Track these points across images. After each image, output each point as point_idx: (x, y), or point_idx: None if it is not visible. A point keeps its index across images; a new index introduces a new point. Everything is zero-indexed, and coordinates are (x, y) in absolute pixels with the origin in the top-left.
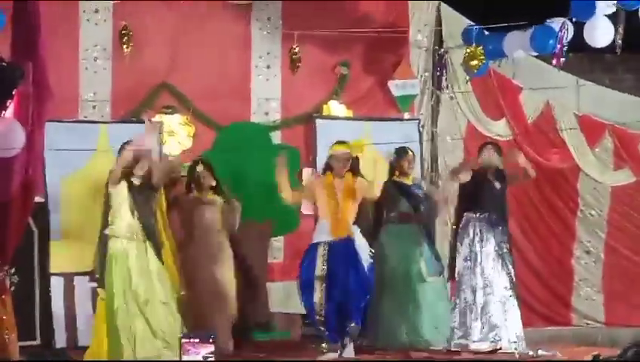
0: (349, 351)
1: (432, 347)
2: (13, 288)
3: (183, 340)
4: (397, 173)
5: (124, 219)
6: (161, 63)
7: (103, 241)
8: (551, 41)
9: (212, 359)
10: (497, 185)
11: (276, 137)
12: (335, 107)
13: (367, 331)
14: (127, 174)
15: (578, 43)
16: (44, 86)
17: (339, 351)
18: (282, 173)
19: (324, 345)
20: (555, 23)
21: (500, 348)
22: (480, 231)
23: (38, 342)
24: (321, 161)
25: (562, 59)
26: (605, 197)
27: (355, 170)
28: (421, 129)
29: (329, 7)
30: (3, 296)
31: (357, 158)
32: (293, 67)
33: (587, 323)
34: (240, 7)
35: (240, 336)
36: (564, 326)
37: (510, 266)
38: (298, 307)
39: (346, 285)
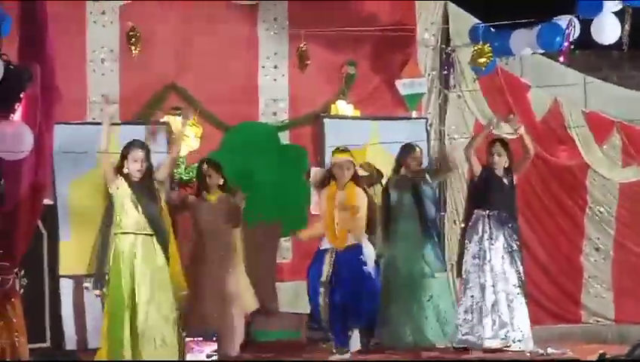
0: (354, 342)
1: (437, 345)
2: (22, 290)
3: (187, 339)
4: (403, 169)
5: (130, 215)
6: (168, 64)
7: (106, 240)
8: (558, 39)
9: (220, 359)
10: (506, 181)
11: (284, 137)
12: (342, 106)
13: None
14: (124, 172)
15: (585, 40)
16: (51, 88)
17: (346, 354)
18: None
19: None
20: (562, 20)
21: (510, 346)
22: (489, 228)
23: (47, 344)
24: (329, 160)
25: (568, 56)
26: (614, 194)
27: (356, 179)
28: (429, 128)
29: (336, 6)
30: (13, 299)
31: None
32: (302, 64)
33: (597, 321)
34: (246, 7)
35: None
36: (574, 324)
37: (519, 264)
38: (307, 307)
39: (351, 292)
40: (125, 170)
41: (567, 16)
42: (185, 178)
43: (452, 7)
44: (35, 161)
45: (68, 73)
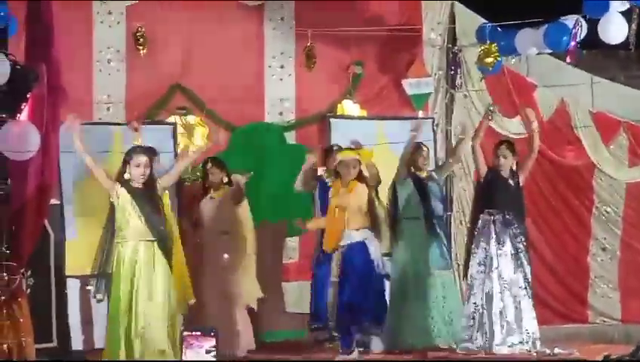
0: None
1: (442, 345)
2: (29, 290)
3: (185, 333)
4: (411, 168)
5: (131, 223)
6: (175, 64)
7: (107, 246)
8: (565, 38)
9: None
10: (512, 183)
11: (290, 137)
12: (349, 106)
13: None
14: (125, 178)
15: (592, 40)
16: (58, 88)
17: (353, 354)
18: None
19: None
20: (569, 20)
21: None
22: (496, 233)
23: (54, 344)
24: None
25: (576, 56)
26: (621, 193)
27: (361, 176)
28: (435, 127)
29: (342, 6)
30: (19, 299)
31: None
32: (309, 63)
33: (603, 321)
34: (253, 7)
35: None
36: (581, 324)
37: (526, 265)
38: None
39: (359, 289)
40: (127, 176)
41: (574, 16)
42: (192, 178)
43: (458, 6)
44: (42, 161)
45: (74, 73)
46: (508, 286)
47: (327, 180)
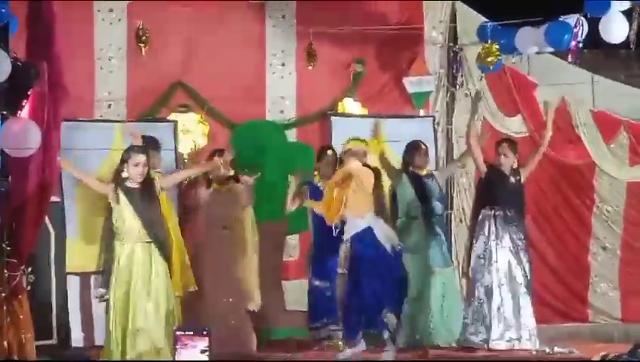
0: (389, 354)
1: (443, 343)
2: (29, 287)
3: (178, 333)
4: (410, 167)
5: (128, 225)
6: (176, 62)
7: (108, 246)
8: (566, 36)
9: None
10: (513, 180)
11: (291, 135)
12: (350, 104)
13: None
14: (119, 180)
15: (593, 39)
16: (59, 85)
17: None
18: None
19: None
20: (570, 19)
21: (515, 346)
22: (496, 228)
23: (54, 341)
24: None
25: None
26: (621, 193)
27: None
28: (436, 126)
29: (343, 5)
30: (20, 296)
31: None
32: (311, 61)
33: (604, 320)
34: (254, 5)
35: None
36: (581, 323)
37: (526, 263)
38: None
39: (374, 276)
40: (125, 175)
41: (575, 15)
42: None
43: (460, 5)
44: (43, 158)
45: (75, 71)
46: (506, 280)
47: (318, 183)
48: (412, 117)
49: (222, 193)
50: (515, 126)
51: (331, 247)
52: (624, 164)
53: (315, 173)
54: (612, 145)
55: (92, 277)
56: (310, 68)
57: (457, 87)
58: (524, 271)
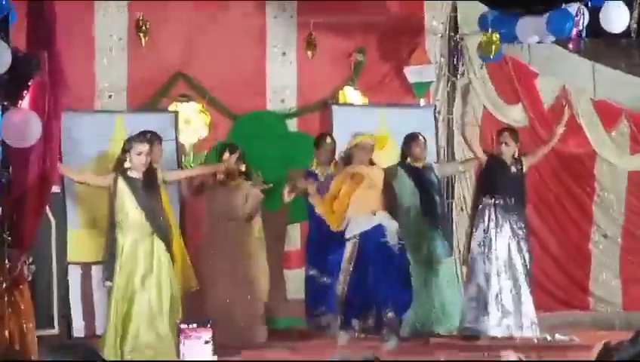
0: (392, 343)
1: (444, 331)
2: (30, 277)
3: (182, 326)
4: (409, 158)
5: (130, 216)
6: (177, 52)
7: (111, 236)
8: (568, 24)
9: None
10: (514, 169)
11: (292, 125)
12: (351, 94)
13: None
14: (121, 169)
15: (594, 28)
16: (60, 76)
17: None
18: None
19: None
20: (571, 7)
21: (513, 334)
22: (495, 216)
23: (56, 331)
24: (337, 147)
25: (578, 44)
26: (622, 181)
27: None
28: (437, 115)
29: None
30: (21, 286)
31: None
32: (310, 50)
33: (605, 308)
34: None
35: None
36: (582, 311)
37: (526, 252)
38: None
39: (381, 273)
40: (127, 164)
41: (576, 4)
42: (192, 166)
43: None
44: (43, 148)
45: (76, 61)
46: (505, 269)
47: (316, 171)
48: (413, 106)
49: (232, 188)
50: (515, 115)
51: (330, 239)
52: (625, 153)
53: (314, 160)
54: (613, 133)
55: (93, 267)
56: (310, 57)
57: (458, 76)
58: (524, 259)
